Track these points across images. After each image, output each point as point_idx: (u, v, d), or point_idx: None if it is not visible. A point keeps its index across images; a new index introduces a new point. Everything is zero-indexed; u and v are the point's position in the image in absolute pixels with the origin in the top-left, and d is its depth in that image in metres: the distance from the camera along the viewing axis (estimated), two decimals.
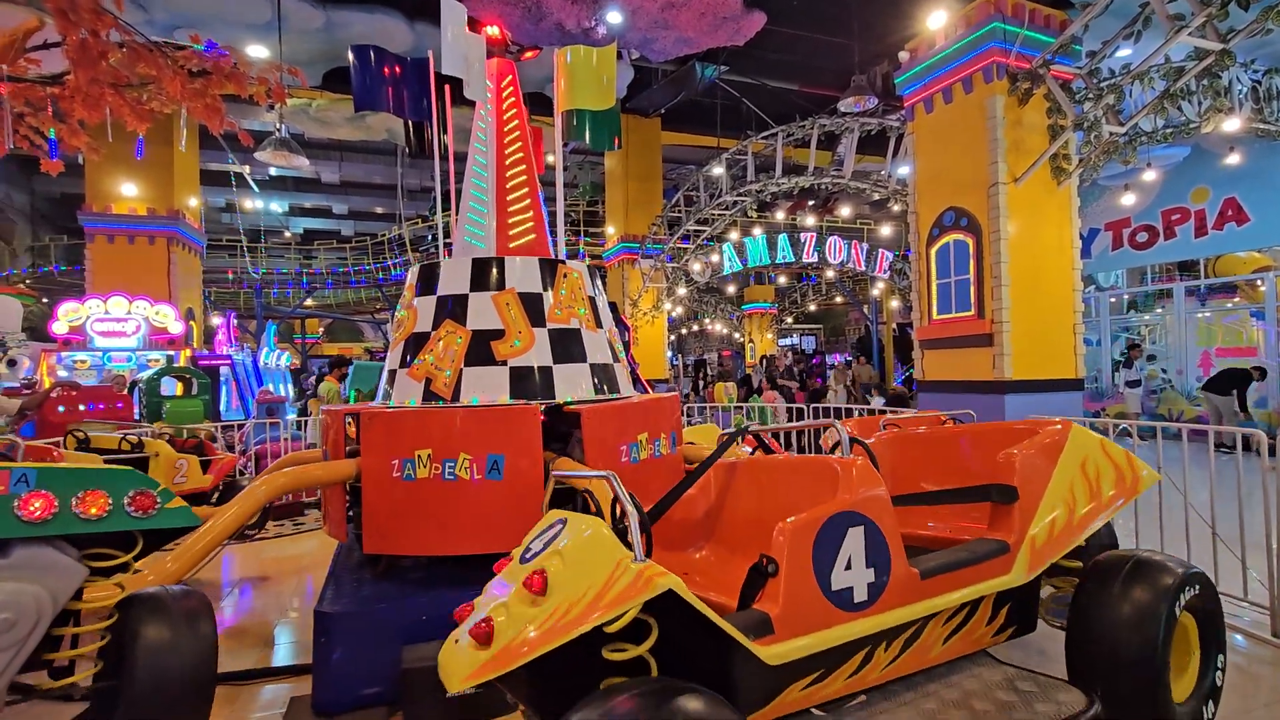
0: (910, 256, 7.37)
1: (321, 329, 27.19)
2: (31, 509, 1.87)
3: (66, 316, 11.36)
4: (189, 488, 5.17)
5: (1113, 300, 13.70)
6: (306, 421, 8.77)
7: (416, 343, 3.91)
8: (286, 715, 2.83)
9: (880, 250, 13.41)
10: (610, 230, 15.75)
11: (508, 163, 4.67)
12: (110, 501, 2.00)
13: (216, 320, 15.81)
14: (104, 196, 12.01)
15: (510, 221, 4.51)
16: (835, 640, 1.74)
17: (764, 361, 16.29)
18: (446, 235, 4.94)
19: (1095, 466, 2.32)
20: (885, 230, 14.71)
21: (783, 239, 12.86)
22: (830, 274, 18.62)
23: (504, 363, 3.67)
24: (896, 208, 10.87)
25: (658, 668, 1.60)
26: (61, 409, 7.14)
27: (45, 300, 16.73)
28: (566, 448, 3.63)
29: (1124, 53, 6.60)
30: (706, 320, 23.87)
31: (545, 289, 3.89)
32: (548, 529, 1.88)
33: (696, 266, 13.30)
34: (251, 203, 22.15)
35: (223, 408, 11.04)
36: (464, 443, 3.29)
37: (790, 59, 12.48)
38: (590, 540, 1.69)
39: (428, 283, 4.05)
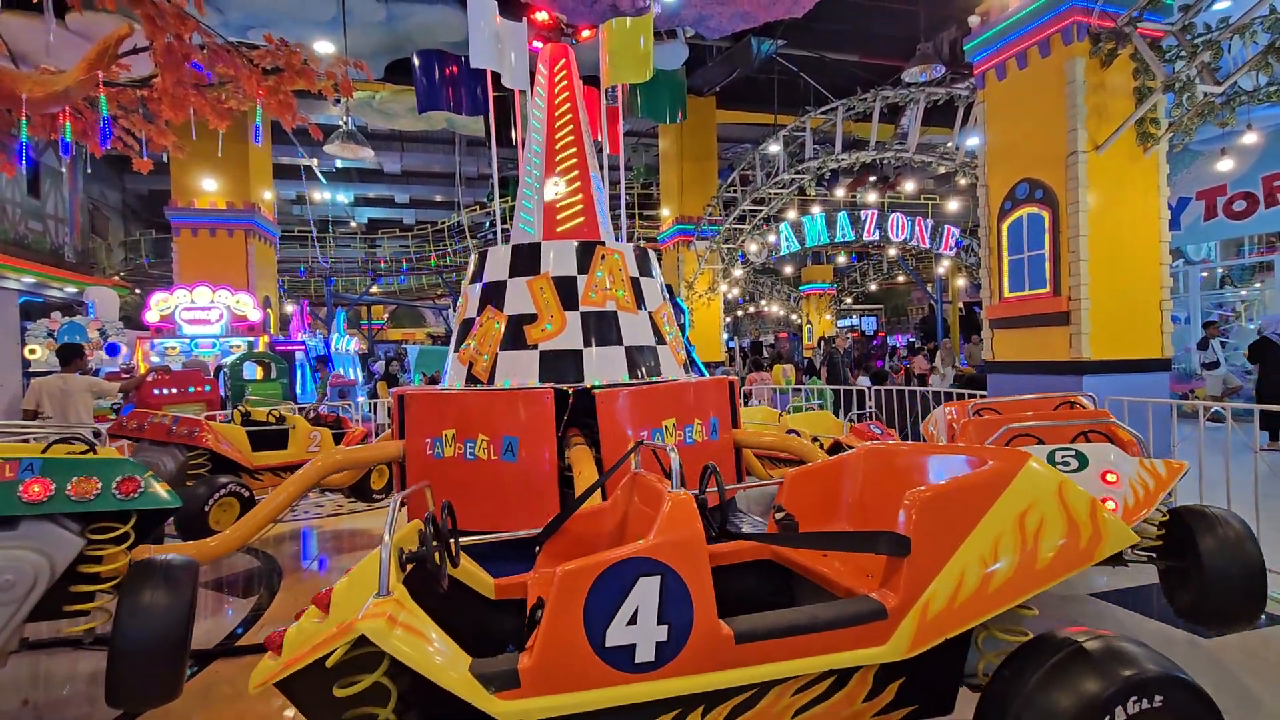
0: (979, 232, 7.05)
1: (386, 315, 28.18)
2: (31, 492, 2.26)
3: (157, 306, 12.17)
4: None
5: (1204, 275, 12.76)
6: (376, 404, 9.17)
7: (465, 328, 4.08)
8: None
9: (946, 226, 12.87)
10: (665, 212, 15.67)
11: (557, 147, 4.68)
12: (100, 485, 2.36)
13: (290, 308, 16.62)
14: (187, 192, 12.76)
15: (558, 205, 4.54)
16: (597, 704, 1.51)
17: (822, 343, 15.98)
18: (504, 222, 5.04)
19: (1039, 518, 1.78)
20: (952, 205, 14.08)
21: (842, 217, 12.51)
22: (892, 252, 18.03)
23: (535, 346, 3.75)
24: (964, 181, 10.39)
25: (405, 702, 1.55)
26: (156, 391, 7.69)
27: (138, 291, 17.94)
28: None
29: (1222, 4, 6.05)
30: (763, 302, 23.53)
31: (581, 272, 3.91)
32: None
33: (753, 247, 13.10)
34: (320, 194, 23.05)
35: (298, 390, 11.65)
36: (481, 424, 3.41)
37: (851, 29, 12.03)
38: (366, 563, 1.66)
39: (477, 270, 4.16)
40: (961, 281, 17.51)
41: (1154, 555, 2.96)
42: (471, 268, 4.32)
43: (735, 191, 13.09)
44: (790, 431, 5.97)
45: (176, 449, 5.08)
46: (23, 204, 16.15)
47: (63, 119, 4.57)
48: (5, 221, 15.60)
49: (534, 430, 3.35)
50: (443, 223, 21.40)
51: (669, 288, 4.68)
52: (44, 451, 2.54)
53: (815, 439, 5.80)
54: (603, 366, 3.76)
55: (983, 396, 6.76)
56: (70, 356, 5.75)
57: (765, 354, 15.76)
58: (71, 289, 16.29)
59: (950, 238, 12.64)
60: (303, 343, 12.11)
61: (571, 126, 4.71)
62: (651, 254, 4.56)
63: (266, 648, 1.58)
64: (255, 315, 12.47)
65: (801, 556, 2.21)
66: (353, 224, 25.84)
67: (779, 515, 2.27)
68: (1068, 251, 5.74)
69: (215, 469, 5.20)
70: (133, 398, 7.76)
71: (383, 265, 21.46)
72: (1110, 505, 2.74)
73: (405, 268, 21.16)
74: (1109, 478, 2.86)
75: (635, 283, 4.15)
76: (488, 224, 20.34)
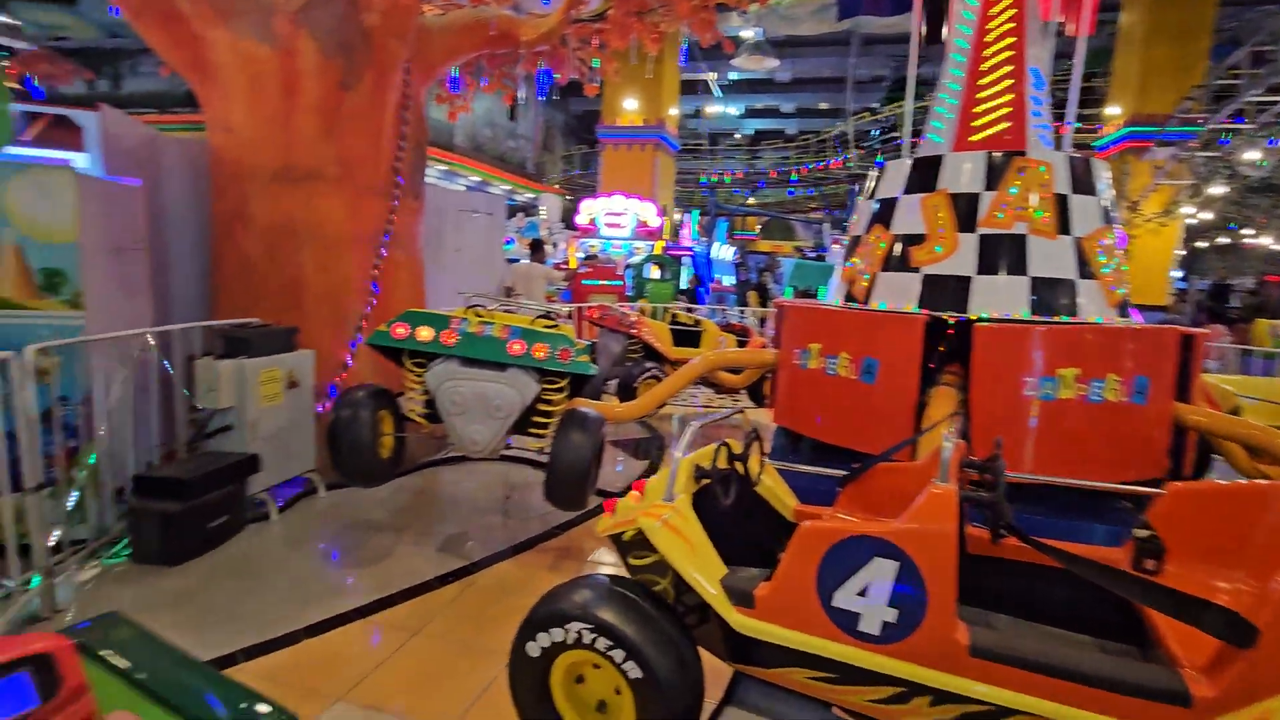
0: None
1: (758, 227, 29.23)
2: (514, 349, 3.13)
3: (586, 211, 14.76)
4: None
5: None
6: (745, 310, 9.78)
7: (853, 245, 4.00)
8: None
9: None
10: (1112, 110, 12.39)
11: (987, 39, 4.02)
12: (550, 351, 3.15)
13: (678, 216, 18.45)
14: (613, 112, 14.84)
15: (975, 111, 3.95)
16: (816, 649, 1.65)
17: None
18: (915, 133, 4.61)
19: None
20: None
21: None
22: None
23: (918, 270, 3.49)
24: None
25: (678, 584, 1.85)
26: (584, 282, 9.49)
27: (570, 197, 21.96)
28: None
29: None
30: (1247, 232, 17.29)
31: (989, 188, 3.44)
32: None
33: (1253, 155, 9.53)
34: (712, 108, 24.45)
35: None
36: (845, 342, 3.41)
37: None
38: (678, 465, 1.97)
39: (874, 186, 4.00)
40: None
41: None
42: (869, 184, 4.18)
43: (1238, 76, 9.55)
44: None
45: (623, 336, 6.34)
46: (505, 127, 20.92)
47: (548, 55, 5.69)
48: (495, 141, 20.48)
49: (896, 356, 3.21)
50: (825, 132, 20.76)
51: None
52: (532, 323, 3.35)
53: None
54: (996, 297, 3.33)
55: None
56: (538, 248, 7.48)
57: (1236, 302, 11.74)
58: (530, 195, 20.84)
59: None
60: (690, 248, 13.45)
61: (1013, 11, 3.96)
62: (1100, 167, 3.71)
63: (605, 508, 1.99)
64: (655, 221, 14.19)
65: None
66: (738, 135, 26.93)
67: (1142, 535, 1.89)
68: None
69: (645, 356, 6.42)
70: (568, 286, 9.73)
71: (772, 176, 22.05)
72: None
73: (794, 179, 21.36)
74: None
75: (1062, 201, 3.48)
76: (875, 133, 19.00)
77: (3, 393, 2.47)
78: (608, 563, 3.33)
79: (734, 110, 25.97)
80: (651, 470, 4.80)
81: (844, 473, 2.34)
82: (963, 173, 3.55)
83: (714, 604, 1.72)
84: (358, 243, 4.40)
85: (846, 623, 1.64)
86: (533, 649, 1.81)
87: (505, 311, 3.73)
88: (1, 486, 2.52)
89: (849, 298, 3.88)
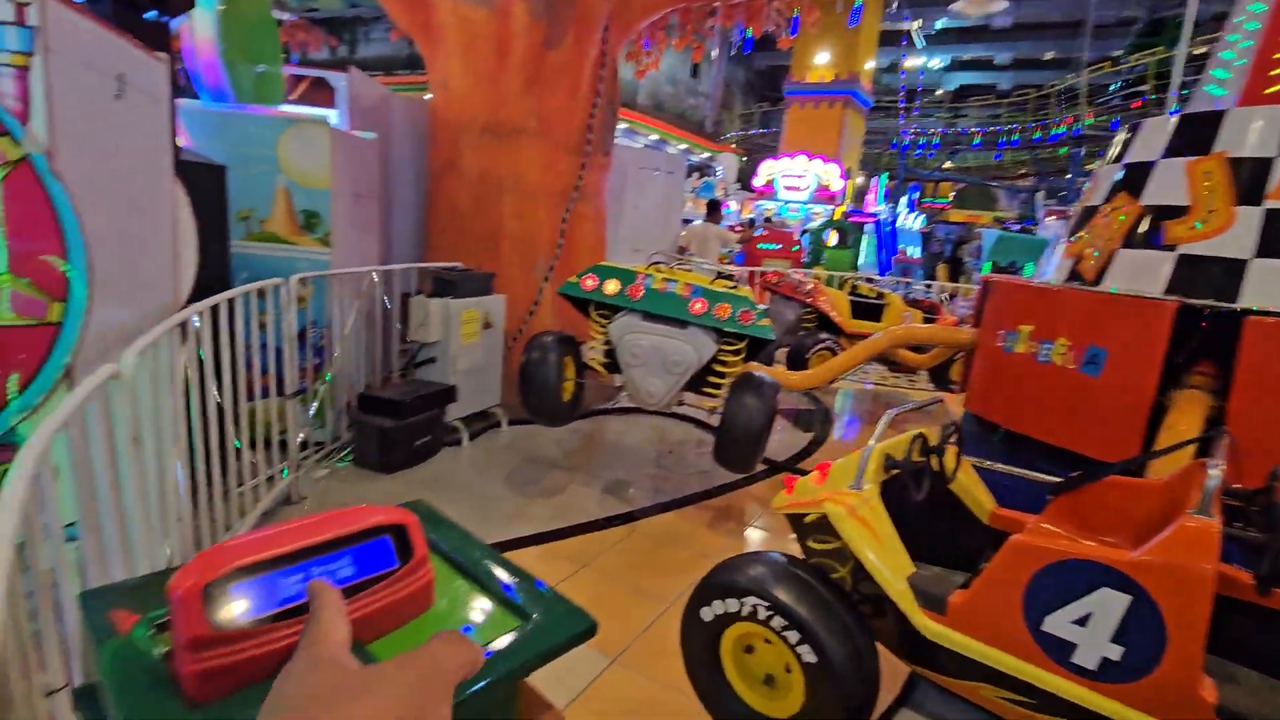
0: None
1: (952, 194, 26.53)
2: (695, 308, 3.11)
3: (765, 171, 14.32)
4: None
5: None
6: (932, 285, 8.98)
7: (1084, 216, 3.53)
8: None
9: None
10: None
11: None
12: (731, 312, 3.09)
13: (861, 179, 17.26)
14: (803, 67, 14.09)
15: (1277, 57, 3.25)
16: (1015, 670, 1.48)
17: None
18: (1183, 86, 3.87)
19: None
20: None
21: None
22: None
23: (1172, 248, 2.97)
24: None
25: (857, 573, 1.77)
26: (760, 246, 9.26)
27: (745, 158, 21.40)
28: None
29: None
30: None
31: None
32: None
33: None
34: (913, 60, 22.30)
35: (862, 261, 12.31)
36: (1066, 326, 3.02)
37: None
38: (861, 454, 1.88)
39: (1120, 148, 3.46)
40: None
41: None
42: (1115, 147, 3.62)
43: None
44: None
45: (797, 304, 6.13)
46: (686, 84, 20.74)
47: (744, 8, 5.50)
48: (676, 99, 20.42)
49: (1132, 347, 2.77)
50: (1050, 86, 18.07)
51: None
52: (711, 284, 3.32)
53: None
54: (1278, 286, 2.76)
55: None
56: (714, 209, 7.39)
57: None
58: (706, 154, 20.61)
59: None
60: (874, 215, 12.56)
61: None
62: None
63: (785, 485, 1.96)
64: (837, 185, 13.42)
65: None
66: (938, 92, 24.39)
67: None
68: None
69: (820, 326, 6.10)
70: (741, 248, 9.56)
71: (977, 136, 19.76)
72: None
73: (1001, 143, 18.98)
74: None
75: None
76: (1115, 86, 16.20)
77: (273, 313, 2.95)
78: (765, 528, 3.30)
79: (938, 63, 23.49)
80: (816, 444, 4.64)
81: (1056, 479, 2.08)
82: (1250, 132, 2.94)
83: (900, 603, 1.63)
84: (550, 196, 4.63)
85: (1057, 651, 1.48)
86: (706, 614, 1.84)
87: (684, 270, 3.74)
88: (270, 390, 3.03)
89: (1074, 275, 3.42)
